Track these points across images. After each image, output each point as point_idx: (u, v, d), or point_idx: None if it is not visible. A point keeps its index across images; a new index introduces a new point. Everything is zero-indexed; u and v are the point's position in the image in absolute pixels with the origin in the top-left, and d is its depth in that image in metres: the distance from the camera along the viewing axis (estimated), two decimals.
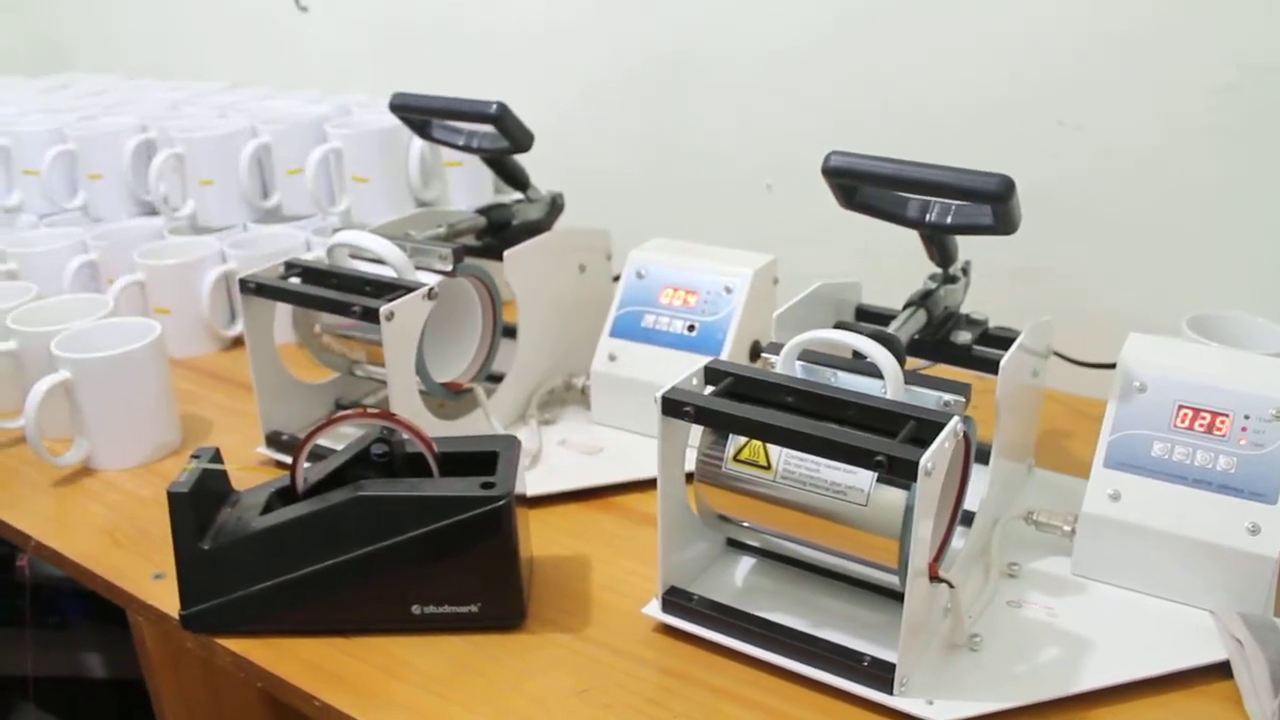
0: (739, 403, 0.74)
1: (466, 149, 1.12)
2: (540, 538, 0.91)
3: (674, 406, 0.74)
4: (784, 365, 0.79)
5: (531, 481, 0.96)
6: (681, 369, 0.98)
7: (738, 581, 0.84)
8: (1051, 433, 1.05)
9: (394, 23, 1.56)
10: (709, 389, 0.78)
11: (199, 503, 0.79)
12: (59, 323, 1.06)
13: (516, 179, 1.14)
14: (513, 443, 0.84)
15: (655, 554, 0.79)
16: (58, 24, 2.10)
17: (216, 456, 0.83)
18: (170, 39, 1.92)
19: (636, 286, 1.04)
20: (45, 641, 1.53)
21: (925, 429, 0.70)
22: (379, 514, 0.78)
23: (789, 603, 0.80)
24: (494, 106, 1.04)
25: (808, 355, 0.80)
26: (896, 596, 0.75)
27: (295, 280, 1.00)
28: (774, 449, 0.74)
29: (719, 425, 0.74)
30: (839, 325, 0.92)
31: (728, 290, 1.00)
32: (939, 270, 0.92)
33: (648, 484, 0.96)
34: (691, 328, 1.00)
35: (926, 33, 1.15)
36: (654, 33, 1.31)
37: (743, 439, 0.75)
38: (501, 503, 0.77)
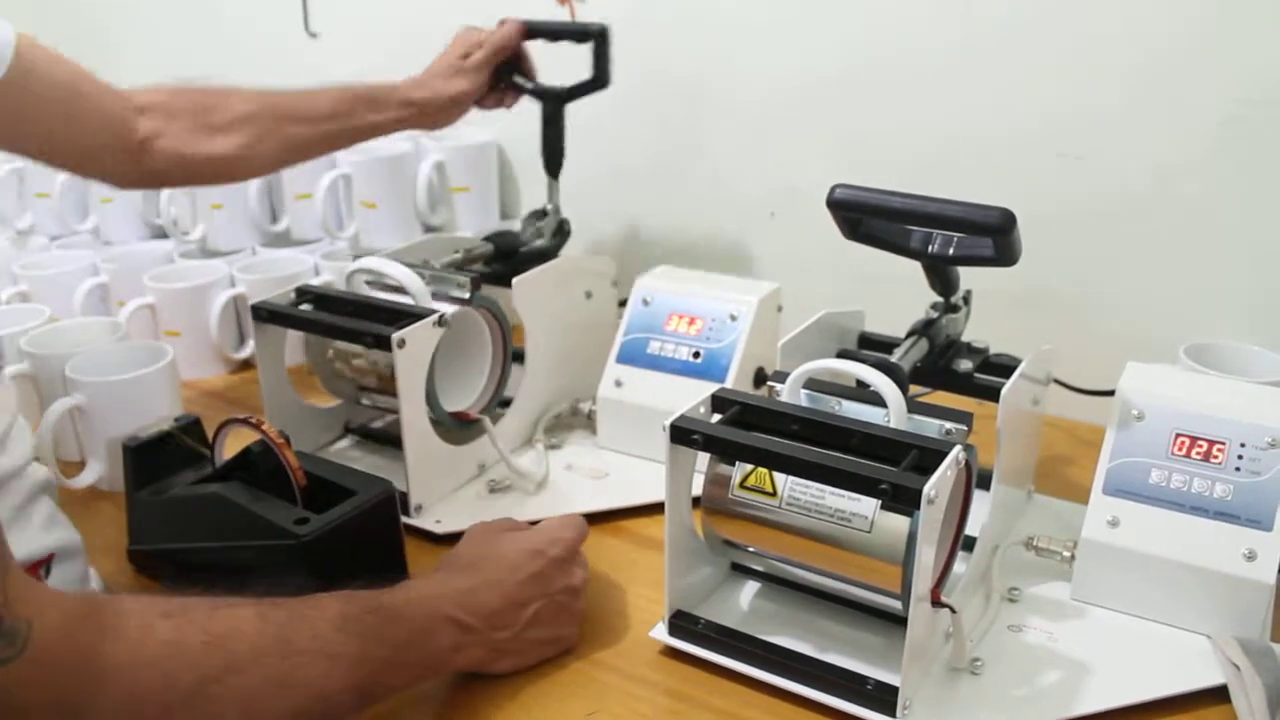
0: (746, 431, 0.76)
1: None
2: None
3: (682, 434, 0.75)
4: (789, 394, 0.81)
5: (539, 506, 0.98)
6: (687, 395, 0.99)
7: (743, 605, 0.85)
8: (1051, 458, 1.06)
9: (403, 49, 1.56)
10: (716, 417, 0.79)
11: (146, 458, 0.91)
12: (72, 345, 1.08)
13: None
14: (383, 489, 0.84)
15: (662, 578, 0.81)
16: (64, 48, 2.11)
17: (189, 426, 0.93)
18: (178, 63, 1.94)
19: (642, 313, 1.06)
20: None
21: (928, 457, 0.71)
22: (220, 514, 0.83)
23: (793, 627, 0.82)
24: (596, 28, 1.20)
25: (812, 384, 0.82)
26: (899, 621, 0.76)
27: (307, 307, 1.02)
28: (780, 476, 0.76)
29: (727, 453, 0.76)
30: (842, 354, 0.94)
31: (733, 318, 1.02)
32: (940, 299, 0.94)
33: (654, 508, 0.97)
34: (697, 354, 1.02)
35: (929, 68, 1.17)
36: (663, 62, 1.33)
37: (749, 466, 0.77)
38: (299, 540, 0.77)
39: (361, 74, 1.63)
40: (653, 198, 1.40)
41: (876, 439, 0.74)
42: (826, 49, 1.22)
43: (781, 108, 1.27)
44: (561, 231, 1.19)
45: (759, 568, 0.86)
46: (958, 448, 0.71)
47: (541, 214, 1.20)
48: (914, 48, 1.17)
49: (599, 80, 1.22)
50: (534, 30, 1.23)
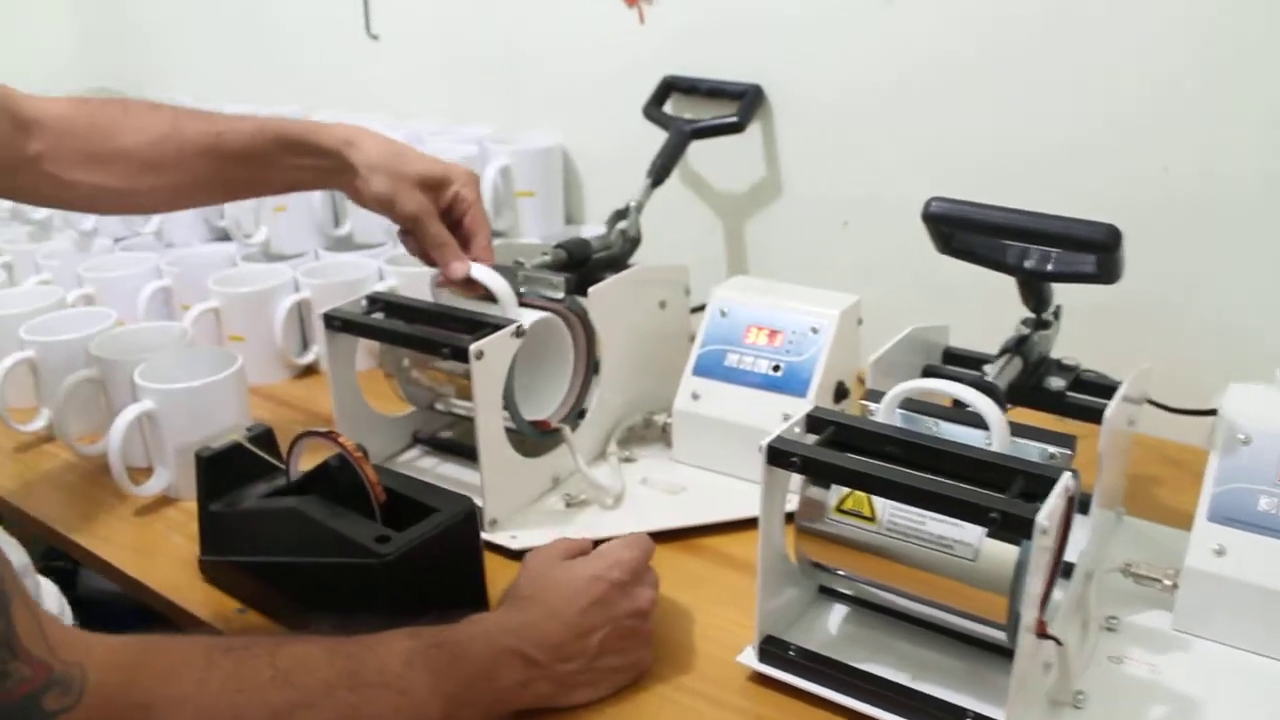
0: (843, 452, 0.74)
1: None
2: None
3: (780, 456, 0.73)
4: (886, 414, 0.78)
5: (616, 522, 0.95)
6: (766, 409, 0.98)
7: (831, 629, 0.83)
8: (1137, 478, 1.03)
9: (464, 51, 1.56)
10: (810, 437, 0.77)
11: (219, 469, 0.89)
12: (138, 350, 1.07)
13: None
14: (464, 506, 0.82)
15: (744, 598, 0.79)
16: (125, 50, 2.12)
17: (261, 436, 0.91)
18: (238, 64, 1.94)
19: (720, 325, 1.03)
20: None
21: (1034, 483, 0.69)
22: (296, 529, 0.81)
23: (885, 653, 0.79)
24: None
25: (907, 403, 0.79)
26: (993, 648, 0.75)
27: (379, 315, 1.00)
28: (879, 500, 0.73)
29: (827, 477, 0.73)
30: (930, 371, 0.92)
31: (814, 331, 0.99)
32: (1031, 315, 0.91)
33: (732, 526, 0.95)
34: (777, 368, 0.99)
35: (1012, 66, 1.13)
36: (728, 64, 1.30)
37: (846, 489, 0.74)
38: (380, 559, 0.75)
39: (421, 74, 1.64)
40: (720, 205, 1.38)
41: (980, 463, 0.71)
42: (902, 51, 1.19)
43: (855, 112, 1.24)
44: (633, 239, 1.17)
45: (848, 591, 0.83)
46: (1067, 475, 0.68)
47: (624, 213, 1.18)
48: (996, 50, 1.14)
49: (738, 126, 1.27)
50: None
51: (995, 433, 0.74)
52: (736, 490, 0.99)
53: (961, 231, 0.83)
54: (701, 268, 1.16)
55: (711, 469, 1.03)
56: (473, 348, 0.88)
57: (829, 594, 0.85)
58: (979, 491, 0.68)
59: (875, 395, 0.80)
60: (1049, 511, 0.65)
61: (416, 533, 0.77)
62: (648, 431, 1.09)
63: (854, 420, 0.76)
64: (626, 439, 1.08)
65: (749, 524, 0.95)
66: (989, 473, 0.71)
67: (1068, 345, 0.93)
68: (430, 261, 1.00)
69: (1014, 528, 0.65)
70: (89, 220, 1.49)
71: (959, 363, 0.94)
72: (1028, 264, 0.84)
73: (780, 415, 0.97)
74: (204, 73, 2.01)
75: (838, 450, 0.74)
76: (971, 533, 0.70)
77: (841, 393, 1.01)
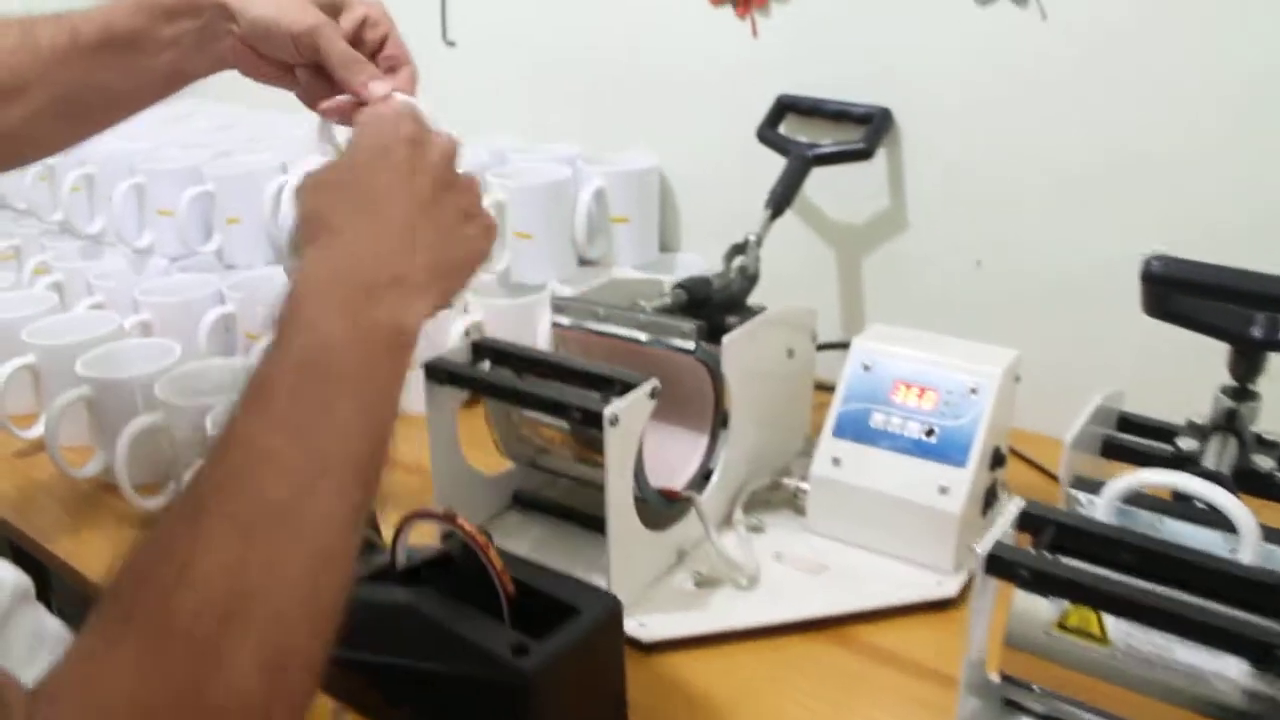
0: (1067, 558, 0.63)
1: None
2: (767, 677, 0.79)
3: (1003, 566, 0.61)
4: (1106, 510, 0.67)
5: (754, 607, 0.84)
6: (919, 478, 0.88)
7: None
8: None
9: (549, 60, 1.45)
10: (1017, 536, 0.66)
11: None
12: (206, 391, 0.97)
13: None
14: (608, 606, 0.70)
15: (907, 703, 0.73)
16: None
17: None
18: None
19: (862, 380, 0.92)
20: None
21: None
22: (410, 628, 0.71)
23: None
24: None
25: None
26: None
27: (486, 365, 0.90)
28: (1110, 619, 0.62)
29: (1065, 595, 0.62)
30: (1110, 445, 0.82)
31: (973, 391, 0.88)
32: (1233, 384, 0.80)
33: (884, 614, 0.84)
34: (930, 432, 0.88)
35: (1166, 72, 1.00)
36: (848, 83, 1.18)
37: (1067, 603, 0.63)
38: (521, 675, 0.64)
39: (502, 85, 1.53)
40: (836, 238, 1.26)
41: (1247, 582, 0.60)
42: (1056, 74, 1.06)
43: (993, 140, 1.12)
44: (751, 276, 1.05)
45: (1040, 708, 0.72)
46: None
47: (742, 247, 1.06)
48: (1149, 51, 1.00)
49: (865, 153, 1.15)
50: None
51: (1247, 540, 0.63)
52: (884, 570, 0.88)
53: (1181, 294, 0.72)
54: (815, 307, 1.05)
55: (854, 543, 0.91)
56: (607, 412, 0.77)
57: (1013, 706, 0.74)
58: (1264, 626, 0.56)
59: (1089, 485, 0.69)
60: None
61: (561, 640, 0.66)
62: (774, 495, 0.98)
63: (1079, 521, 0.65)
64: (751, 504, 0.97)
65: (901, 611, 0.85)
66: (1243, 590, 0.60)
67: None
68: (330, 95, 0.77)
69: None
70: (144, 237, 1.39)
71: (1139, 432, 0.84)
72: (1254, 332, 0.73)
73: (936, 487, 0.87)
74: None
75: (1060, 555, 0.63)
76: (1230, 664, 0.59)
77: (998, 460, 0.90)
